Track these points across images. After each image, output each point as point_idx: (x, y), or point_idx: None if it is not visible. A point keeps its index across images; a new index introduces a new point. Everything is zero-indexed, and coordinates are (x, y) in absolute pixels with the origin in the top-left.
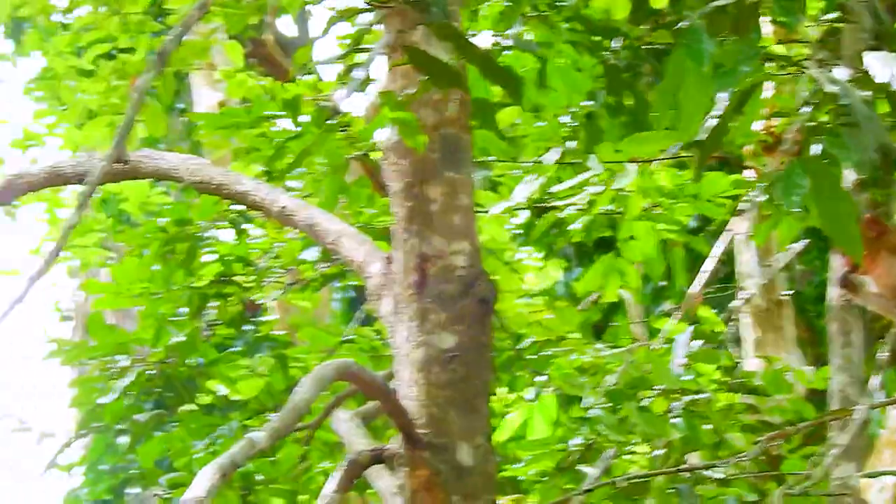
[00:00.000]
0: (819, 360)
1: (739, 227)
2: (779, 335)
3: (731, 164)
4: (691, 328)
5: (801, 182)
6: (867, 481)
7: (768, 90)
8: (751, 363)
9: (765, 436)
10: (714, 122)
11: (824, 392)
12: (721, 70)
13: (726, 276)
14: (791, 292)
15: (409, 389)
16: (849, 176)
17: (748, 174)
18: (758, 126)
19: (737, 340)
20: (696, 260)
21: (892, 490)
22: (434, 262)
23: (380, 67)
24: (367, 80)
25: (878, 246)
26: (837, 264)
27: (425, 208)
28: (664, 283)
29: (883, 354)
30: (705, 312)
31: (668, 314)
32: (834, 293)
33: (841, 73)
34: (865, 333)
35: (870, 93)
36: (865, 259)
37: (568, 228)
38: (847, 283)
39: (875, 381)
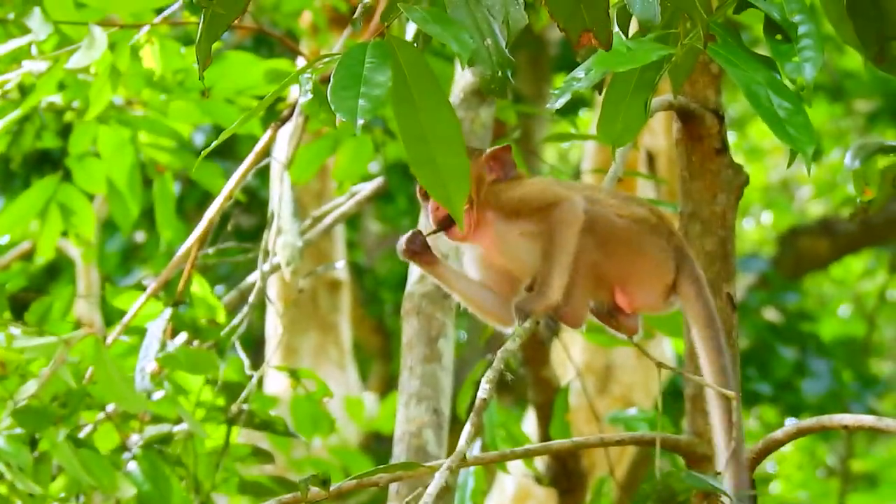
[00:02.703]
0: (395, 383)
1: (278, 146)
2: (328, 336)
3: (281, 43)
4: (169, 310)
5: (380, 76)
6: None
7: None
8: (274, 380)
9: (272, 501)
10: None
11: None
12: None
13: (258, 228)
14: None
15: None
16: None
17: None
18: None
19: (253, 341)
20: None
21: None
22: None
23: None
24: None
25: (491, 196)
26: (424, 219)
27: None
28: (142, 235)
29: (486, 385)
30: (203, 288)
31: (142, 287)
32: (414, 273)
33: None
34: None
35: None
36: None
37: None
38: (417, 253)
39: (474, 422)
